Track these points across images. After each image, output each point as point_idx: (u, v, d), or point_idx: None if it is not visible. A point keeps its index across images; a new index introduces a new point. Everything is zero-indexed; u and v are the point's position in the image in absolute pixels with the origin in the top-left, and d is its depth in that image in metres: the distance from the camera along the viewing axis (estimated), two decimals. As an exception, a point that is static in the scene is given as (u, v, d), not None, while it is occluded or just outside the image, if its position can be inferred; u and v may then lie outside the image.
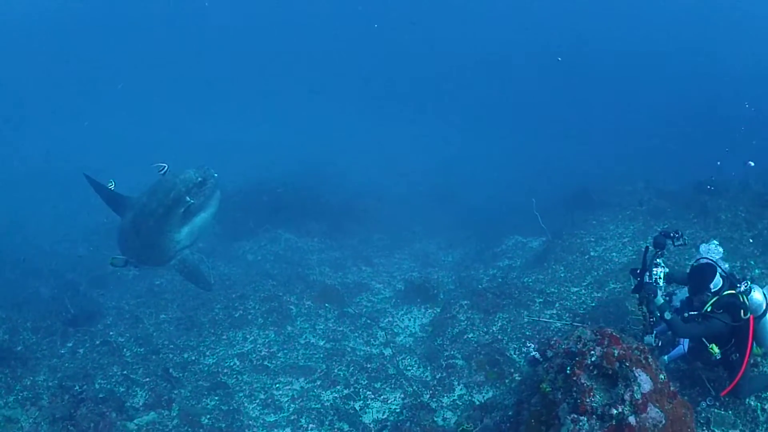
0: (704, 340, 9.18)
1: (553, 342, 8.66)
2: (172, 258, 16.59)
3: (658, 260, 9.39)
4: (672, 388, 7.87)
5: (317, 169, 31.56)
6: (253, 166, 31.52)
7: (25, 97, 50.40)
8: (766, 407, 9.54)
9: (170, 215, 15.94)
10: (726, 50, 55.56)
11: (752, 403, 9.58)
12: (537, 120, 45.15)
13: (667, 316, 8.99)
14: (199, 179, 16.14)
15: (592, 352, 7.76)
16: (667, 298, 9.45)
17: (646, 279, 9.22)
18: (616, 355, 7.62)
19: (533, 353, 9.34)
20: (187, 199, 15.85)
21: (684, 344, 9.62)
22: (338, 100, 52.82)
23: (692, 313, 9.28)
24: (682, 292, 9.84)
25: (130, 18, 68.85)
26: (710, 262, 9.39)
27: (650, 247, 9.60)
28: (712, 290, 9.14)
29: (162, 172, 15.59)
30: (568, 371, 7.80)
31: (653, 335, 9.17)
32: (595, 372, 7.64)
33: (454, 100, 53.62)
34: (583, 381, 7.59)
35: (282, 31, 70.48)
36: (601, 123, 42.76)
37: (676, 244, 9.80)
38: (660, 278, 9.18)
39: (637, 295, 9.52)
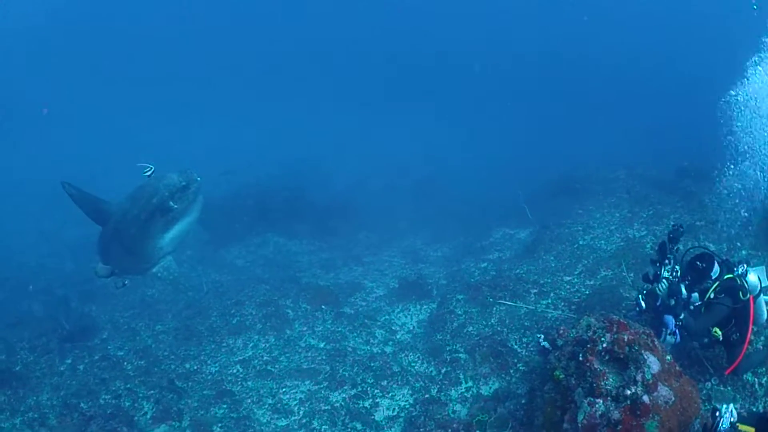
0: None
1: (561, 331, 9.28)
2: (155, 265, 16.60)
3: (674, 255, 10.05)
4: (677, 368, 8.49)
5: (299, 170, 31.94)
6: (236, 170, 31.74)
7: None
8: (762, 382, 10.20)
9: (153, 221, 15.85)
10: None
11: (750, 378, 10.28)
12: (517, 110, 45.73)
13: (681, 316, 9.61)
14: (183, 183, 16.02)
15: (603, 338, 8.41)
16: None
17: (666, 274, 9.82)
18: (626, 340, 8.23)
19: (543, 343, 9.95)
20: (171, 204, 15.78)
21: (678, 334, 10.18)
22: (318, 98, 53.07)
23: (697, 304, 9.89)
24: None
25: (108, 19, 68.66)
26: (706, 251, 10.01)
27: (666, 242, 10.25)
28: (712, 278, 9.76)
29: (148, 173, 15.38)
30: (580, 358, 8.44)
31: (676, 335, 9.76)
32: (606, 357, 8.29)
33: (434, 92, 54.03)
34: (596, 366, 8.23)
35: (260, 31, 70.48)
36: (580, 111, 43.33)
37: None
38: (677, 274, 9.82)
39: (648, 285, 10.19)
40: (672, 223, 10.97)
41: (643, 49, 55.90)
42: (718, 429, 7.44)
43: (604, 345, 8.35)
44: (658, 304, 9.93)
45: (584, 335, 8.70)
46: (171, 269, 16.76)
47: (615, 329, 8.49)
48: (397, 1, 67.37)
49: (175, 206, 15.85)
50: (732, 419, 7.51)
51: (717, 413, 7.54)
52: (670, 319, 9.58)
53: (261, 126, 48.41)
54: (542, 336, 10.30)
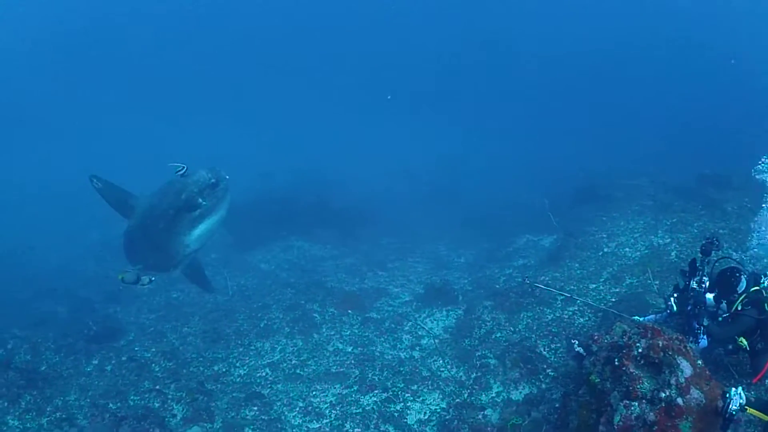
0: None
1: (596, 337, 9.74)
2: (181, 263, 16.81)
3: (704, 268, 10.54)
4: (707, 372, 8.97)
5: (322, 176, 32.45)
6: (260, 175, 32.15)
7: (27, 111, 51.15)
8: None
9: (181, 217, 16.02)
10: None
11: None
12: (540, 117, 46.02)
13: (705, 322, 10.16)
14: (212, 180, 16.23)
15: (638, 344, 8.88)
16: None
17: (694, 285, 10.33)
18: (660, 345, 8.70)
19: (577, 348, 10.41)
20: (199, 200, 16.00)
21: (705, 338, 10.66)
22: (340, 104, 53.43)
23: (725, 315, 10.39)
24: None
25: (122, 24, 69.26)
26: (736, 265, 10.52)
27: (698, 256, 10.76)
28: (739, 291, 10.27)
29: (180, 172, 15.64)
30: (616, 362, 8.90)
31: (705, 338, 10.35)
32: (642, 362, 8.76)
33: (458, 99, 54.35)
34: (631, 370, 8.70)
35: (282, 37, 70.78)
36: (602, 116, 43.60)
37: (716, 253, 10.95)
38: (706, 285, 10.33)
39: (675, 295, 10.71)
40: (707, 236, 11.35)
41: (667, 56, 56.06)
42: (728, 411, 7.97)
43: (640, 350, 8.81)
44: (689, 308, 10.44)
45: (619, 341, 9.17)
46: (194, 266, 17.02)
47: (650, 335, 8.95)
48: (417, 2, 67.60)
49: (204, 203, 16.05)
50: (741, 401, 8.03)
51: (726, 396, 8.06)
52: (694, 326, 10.19)
53: (281, 131, 48.88)
54: (577, 342, 10.73)
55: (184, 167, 15.63)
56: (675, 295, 10.91)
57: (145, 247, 16.53)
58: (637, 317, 11.69)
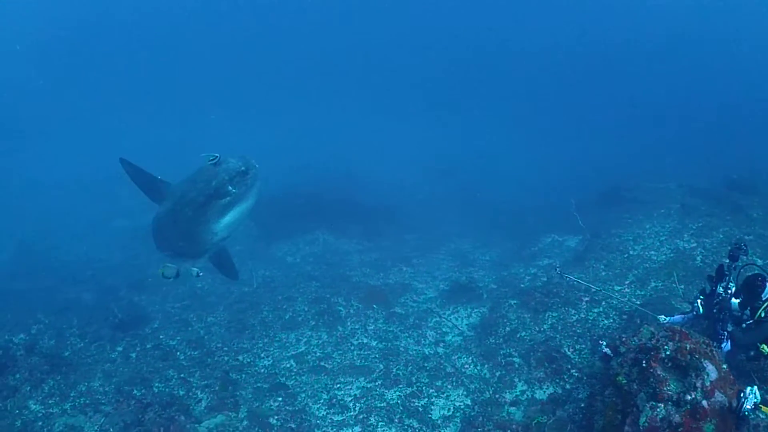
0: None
1: (624, 339, 9.97)
2: (208, 251, 16.80)
3: (731, 273, 10.76)
4: (731, 376, 9.20)
5: (348, 171, 32.71)
6: (286, 169, 32.38)
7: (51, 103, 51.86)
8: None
9: (210, 205, 15.94)
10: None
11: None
12: (571, 117, 46.14)
13: (729, 327, 10.39)
14: (242, 168, 16.17)
15: (666, 346, 9.12)
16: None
17: (720, 290, 10.56)
18: (688, 348, 8.94)
19: (605, 350, 10.65)
20: (229, 188, 15.93)
21: (728, 343, 10.87)
22: (366, 101, 53.68)
23: (748, 322, 10.60)
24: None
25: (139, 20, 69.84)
26: (761, 272, 10.71)
27: (726, 261, 11.00)
28: (763, 298, 10.48)
29: (213, 161, 15.73)
30: (643, 364, 9.12)
31: (728, 343, 10.58)
32: (669, 364, 8.99)
33: (485, 98, 54.50)
34: (659, 372, 8.94)
35: (310, 33, 71.08)
36: (631, 119, 43.65)
37: (743, 258, 11.17)
38: (732, 291, 10.55)
39: (701, 297, 10.94)
40: (734, 242, 11.54)
41: (698, 61, 55.95)
42: (742, 409, 8.22)
43: (667, 353, 9.05)
44: (714, 311, 10.67)
45: (647, 343, 9.40)
46: (222, 254, 17.11)
47: (677, 338, 9.18)
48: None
49: (234, 190, 16.02)
50: (755, 400, 8.27)
51: (742, 394, 8.31)
52: (719, 330, 10.44)
53: (315, 126, 49.22)
54: (604, 343, 10.96)
55: (216, 156, 15.78)
56: (701, 297, 11.14)
57: (174, 234, 16.54)
58: (663, 316, 11.93)
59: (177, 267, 15.82)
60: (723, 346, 10.55)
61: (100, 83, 61.98)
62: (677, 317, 11.88)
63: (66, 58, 65.67)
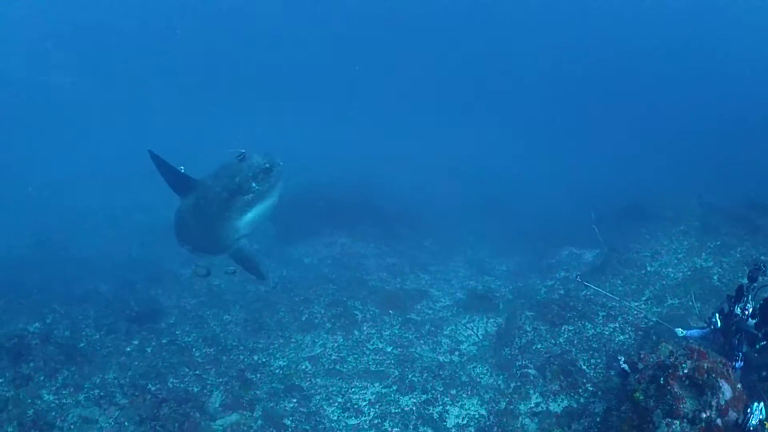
0: None
1: (642, 355, 10.22)
2: (230, 247, 17.04)
3: (749, 294, 10.98)
4: (745, 396, 9.45)
5: (368, 174, 32.73)
6: (306, 170, 32.49)
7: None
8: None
9: (233, 201, 16.27)
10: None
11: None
12: (589, 130, 46.24)
13: (744, 348, 10.62)
14: (266, 165, 16.45)
15: (684, 365, 9.37)
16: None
17: (738, 311, 10.78)
18: (705, 367, 9.19)
19: (623, 365, 10.88)
20: (253, 185, 16.23)
21: (741, 361, 11.10)
22: (387, 107, 53.95)
23: (762, 343, 10.82)
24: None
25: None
26: None
27: (745, 282, 11.19)
28: None
29: (240, 157, 16.05)
30: (661, 381, 9.37)
31: (740, 362, 10.80)
32: (686, 382, 9.24)
33: (507, 108, 54.66)
34: (676, 390, 9.18)
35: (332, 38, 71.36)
36: (652, 134, 43.71)
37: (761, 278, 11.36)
38: (749, 312, 10.78)
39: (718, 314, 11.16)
40: (753, 262, 11.75)
41: (726, 79, 55.87)
42: (748, 424, 8.48)
43: (685, 371, 9.30)
44: (732, 327, 10.90)
45: (666, 360, 9.64)
46: (245, 251, 17.24)
47: (696, 357, 9.43)
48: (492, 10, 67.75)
49: (257, 187, 16.31)
50: (761, 416, 8.52)
51: (748, 410, 8.56)
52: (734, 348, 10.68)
53: (340, 130, 49.53)
54: (623, 359, 11.17)
55: (243, 152, 16.10)
56: (718, 314, 11.34)
57: (196, 229, 16.85)
58: (680, 329, 12.14)
59: (208, 266, 16.41)
60: (736, 364, 10.77)
61: (132, 78, 62.72)
62: (694, 331, 12.10)
63: (93, 56, 66.19)
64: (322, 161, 35.64)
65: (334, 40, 69.39)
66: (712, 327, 11.39)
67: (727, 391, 9.15)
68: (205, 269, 16.54)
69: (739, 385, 9.47)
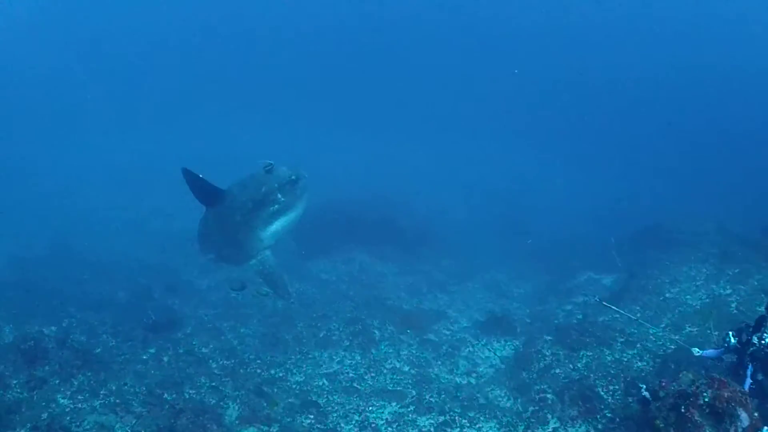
0: None
1: (663, 383, 10.48)
2: (253, 257, 17.29)
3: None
4: (760, 424, 9.72)
5: (388, 192, 32.74)
6: (327, 186, 32.79)
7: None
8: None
9: (259, 211, 16.63)
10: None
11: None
12: (608, 149, 46.45)
13: (759, 376, 10.88)
14: (293, 177, 16.89)
15: (705, 393, 9.64)
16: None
17: (755, 340, 11.02)
18: (725, 396, 9.47)
19: (644, 393, 11.13)
20: (278, 196, 16.64)
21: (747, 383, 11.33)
22: (405, 128, 54.29)
23: None
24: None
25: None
26: None
27: (765, 312, 11.44)
28: None
29: (267, 168, 16.42)
30: (682, 410, 9.63)
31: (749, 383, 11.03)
32: (707, 410, 9.50)
33: (530, 129, 54.92)
34: (696, 418, 9.45)
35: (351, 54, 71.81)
36: (671, 159, 43.81)
37: None
38: (766, 342, 11.03)
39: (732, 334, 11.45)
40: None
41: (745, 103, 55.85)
42: None
43: (706, 399, 9.58)
44: (749, 351, 11.16)
45: (687, 389, 9.91)
46: (269, 264, 17.47)
47: (716, 386, 9.71)
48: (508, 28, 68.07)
49: (282, 198, 16.71)
50: None
51: None
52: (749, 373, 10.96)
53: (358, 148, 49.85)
54: (644, 386, 11.41)
55: (271, 164, 16.48)
56: (732, 333, 11.58)
57: (220, 238, 17.13)
58: (696, 349, 12.40)
59: (243, 280, 16.92)
60: (744, 385, 11.01)
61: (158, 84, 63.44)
62: (710, 351, 12.39)
63: (115, 62, 66.97)
64: (343, 178, 35.91)
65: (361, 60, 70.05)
66: (726, 344, 11.64)
67: (744, 419, 9.46)
68: (239, 283, 16.96)
69: (756, 413, 9.73)
